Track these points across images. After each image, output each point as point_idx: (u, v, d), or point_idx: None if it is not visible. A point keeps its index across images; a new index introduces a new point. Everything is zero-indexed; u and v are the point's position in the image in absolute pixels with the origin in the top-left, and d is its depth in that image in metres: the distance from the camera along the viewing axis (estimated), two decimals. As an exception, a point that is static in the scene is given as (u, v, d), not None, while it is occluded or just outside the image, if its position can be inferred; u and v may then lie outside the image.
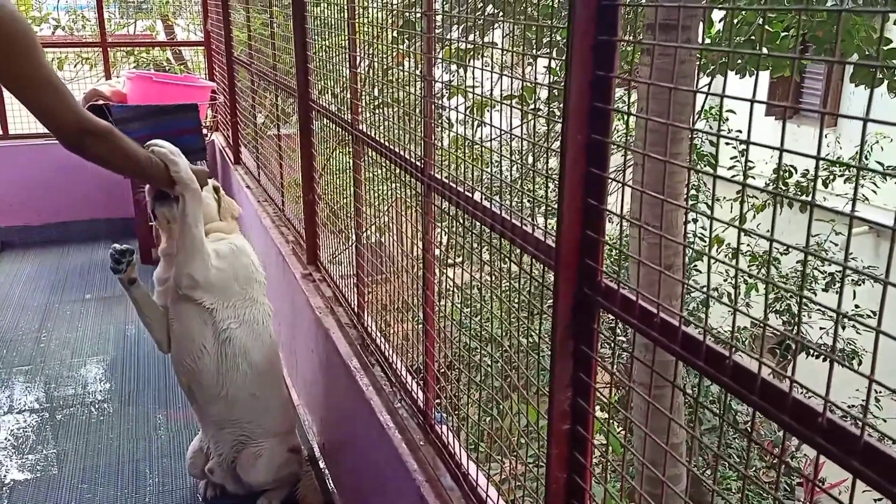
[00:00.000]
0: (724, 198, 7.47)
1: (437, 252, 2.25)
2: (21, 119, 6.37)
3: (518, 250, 1.58)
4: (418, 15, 2.01)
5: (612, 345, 1.34)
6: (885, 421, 5.85)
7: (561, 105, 1.32)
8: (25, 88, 2.00)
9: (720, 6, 4.32)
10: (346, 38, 2.77)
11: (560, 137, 1.29)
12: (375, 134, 2.59)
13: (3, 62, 1.92)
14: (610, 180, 1.27)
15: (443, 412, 2.19)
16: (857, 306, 6.60)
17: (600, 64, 1.22)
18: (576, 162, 1.27)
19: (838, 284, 6.89)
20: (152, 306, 2.76)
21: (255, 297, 2.85)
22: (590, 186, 1.28)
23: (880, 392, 5.54)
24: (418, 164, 2.11)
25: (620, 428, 5.15)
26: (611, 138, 1.24)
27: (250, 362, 2.81)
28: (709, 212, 7.08)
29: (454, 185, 1.89)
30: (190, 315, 2.71)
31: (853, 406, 6.34)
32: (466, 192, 1.81)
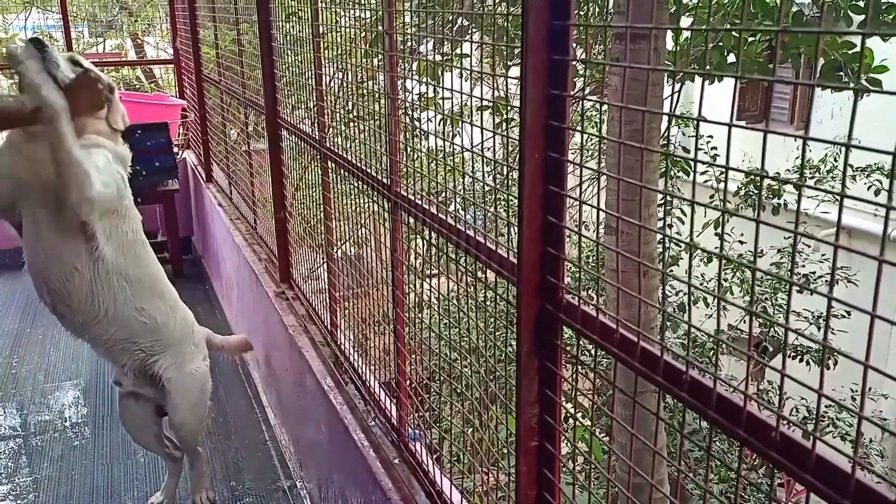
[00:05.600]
0: (690, 202, 7.49)
1: (413, 263, 2.24)
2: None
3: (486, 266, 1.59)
4: (381, 31, 2.02)
5: (576, 359, 1.34)
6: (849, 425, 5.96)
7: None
8: None
9: (670, 27, 4.37)
10: (312, 55, 2.78)
11: (518, 155, 1.29)
12: (345, 150, 2.59)
13: None
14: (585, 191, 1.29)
15: (416, 429, 2.19)
16: (830, 307, 6.67)
17: (555, 83, 1.23)
18: (533, 180, 1.28)
19: (813, 285, 6.99)
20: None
21: (125, 212, 2.63)
22: (549, 203, 1.29)
23: (861, 391, 5.62)
24: (385, 181, 2.11)
25: (604, 433, 5.17)
26: (567, 156, 1.25)
27: (126, 277, 2.62)
28: (685, 218, 7.13)
29: (420, 203, 1.89)
30: (62, 235, 2.48)
31: (830, 405, 6.41)
32: (432, 210, 1.82)
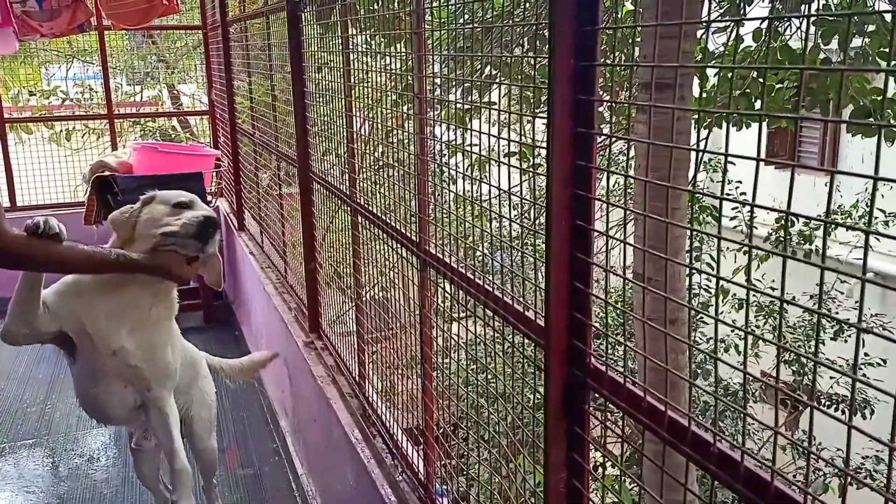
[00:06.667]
0: (728, 248, 7.46)
1: (440, 308, 2.25)
2: (29, 191, 6.51)
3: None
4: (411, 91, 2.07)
5: (604, 424, 1.35)
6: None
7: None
8: None
9: (696, 65, 4.41)
10: (344, 112, 2.84)
11: (545, 222, 1.32)
12: (374, 202, 2.64)
13: None
14: (610, 237, 1.30)
15: (442, 485, 2.19)
16: (866, 354, 6.55)
17: (583, 156, 1.26)
18: (560, 247, 1.30)
19: (847, 332, 6.86)
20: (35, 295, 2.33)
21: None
22: (576, 270, 1.31)
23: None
24: (414, 238, 2.14)
25: (633, 485, 5.08)
26: (593, 224, 1.27)
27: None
28: (714, 263, 7.09)
29: (449, 262, 1.92)
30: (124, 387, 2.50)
31: (868, 457, 6.26)
32: (460, 269, 1.84)
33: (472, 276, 1.79)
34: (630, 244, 1.35)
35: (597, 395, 1.30)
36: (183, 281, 2.45)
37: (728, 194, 7.10)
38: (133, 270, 2.30)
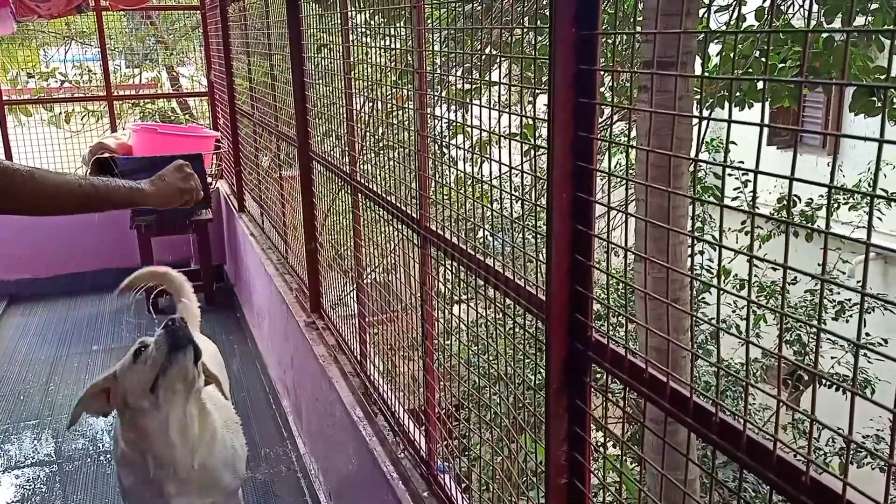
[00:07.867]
0: (730, 228, 7.47)
1: (442, 290, 2.25)
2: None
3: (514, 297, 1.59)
4: (410, 70, 2.05)
5: (604, 395, 1.34)
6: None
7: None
8: None
9: (699, 30, 4.38)
10: (343, 91, 2.82)
11: (546, 194, 1.31)
12: (374, 182, 2.63)
13: None
14: (616, 210, 1.30)
15: (444, 462, 2.19)
16: (867, 334, 6.55)
17: (584, 125, 1.25)
18: (562, 220, 1.29)
19: (848, 313, 6.86)
20: None
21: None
22: (577, 243, 1.30)
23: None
24: (414, 216, 2.13)
25: (635, 464, 5.10)
26: (594, 196, 1.26)
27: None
28: (715, 243, 7.08)
29: (449, 238, 1.91)
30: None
31: (868, 436, 6.28)
32: (461, 245, 1.83)
33: (472, 252, 1.79)
34: (632, 215, 1.34)
35: (598, 368, 1.30)
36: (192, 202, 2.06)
37: (729, 175, 7.08)
38: (141, 203, 1.90)
